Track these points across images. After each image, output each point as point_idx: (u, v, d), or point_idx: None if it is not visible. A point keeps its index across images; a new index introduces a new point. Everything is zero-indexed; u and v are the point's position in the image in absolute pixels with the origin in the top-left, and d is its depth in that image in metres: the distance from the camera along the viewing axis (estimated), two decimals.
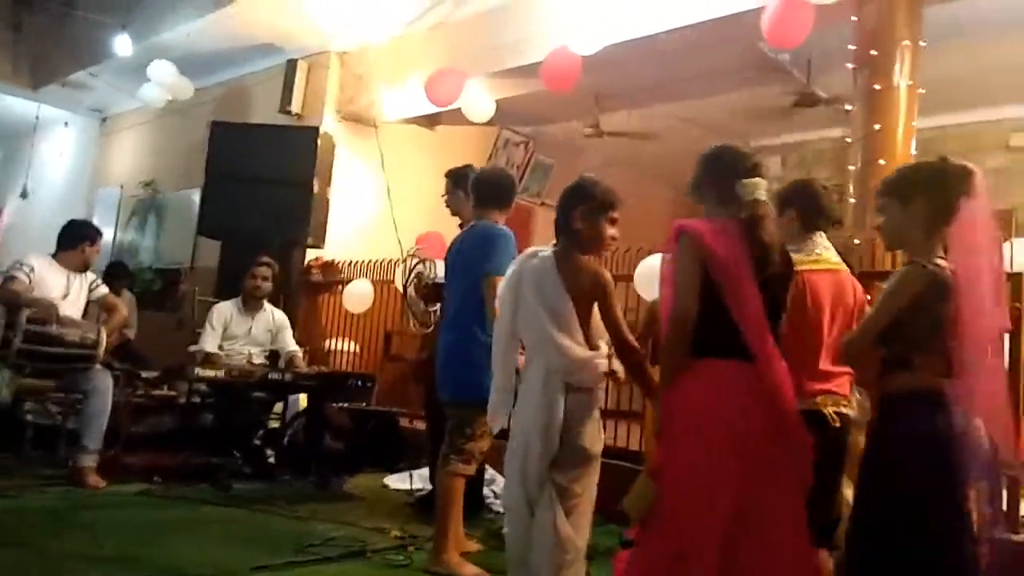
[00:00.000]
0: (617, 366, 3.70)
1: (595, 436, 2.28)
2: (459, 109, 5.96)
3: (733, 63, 5.55)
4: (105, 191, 8.88)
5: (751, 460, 1.97)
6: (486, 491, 4.02)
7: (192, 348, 4.68)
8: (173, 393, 5.03)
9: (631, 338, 2.32)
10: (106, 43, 6.81)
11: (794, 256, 2.49)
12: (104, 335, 4.11)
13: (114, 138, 9.12)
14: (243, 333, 4.75)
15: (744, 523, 1.93)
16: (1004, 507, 3.08)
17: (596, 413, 2.30)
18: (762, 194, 2.10)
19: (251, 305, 4.82)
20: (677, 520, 1.97)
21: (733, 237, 2.03)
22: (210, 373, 4.22)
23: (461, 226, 4.27)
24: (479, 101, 5.95)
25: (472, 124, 6.30)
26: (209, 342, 4.61)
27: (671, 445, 2.05)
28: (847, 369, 2.53)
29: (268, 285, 4.84)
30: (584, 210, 2.33)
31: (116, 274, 6.27)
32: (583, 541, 2.26)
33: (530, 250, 2.40)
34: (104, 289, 4.46)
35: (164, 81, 6.80)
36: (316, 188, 6.06)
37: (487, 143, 7.57)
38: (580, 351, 2.25)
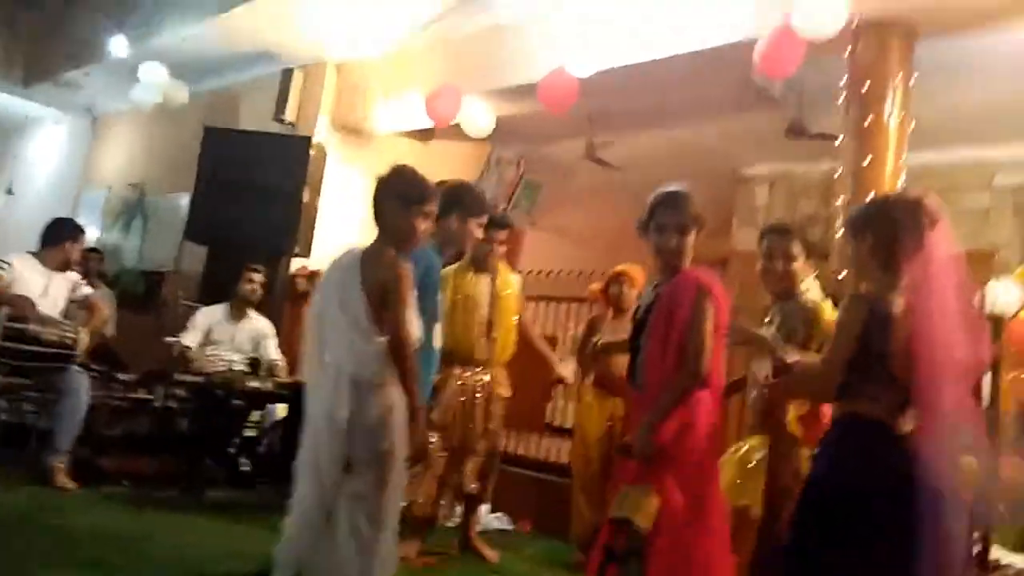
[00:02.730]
0: (566, 372, 3.70)
1: (386, 434, 2.17)
2: (453, 125, 5.97)
3: (726, 92, 5.59)
4: (91, 193, 8.80)
5: None
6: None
7: (170, 339, 4.63)
8: (150, 396, 4.96)
9: (407, 338, 2.23)
10: (102, 43, 6.78)
11: None
12: (84, 336, 4.06)
13: (103, 139, 9.06)
14: (227, 339, 4.71)
15: None
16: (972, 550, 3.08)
17: (392, 410, 2.19)
18: None
19: (237, 312, 4.79)
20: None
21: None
22: (190, 378, 4.17)
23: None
24: (478, 116, 5.96)
25: (465, 140, 6.31)
26: (189, 338, 4.57)
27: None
28: None
29: (260, 291, 4.82)
30: (395, 204, 2.30)
31: (91, 257, 6.00)
32: (388, 542, 2.20)
33: (348, 248, 2.36)
34: (87, 289, 4.42)
35: (155, 83, 6.76)
36: (306, 198, 6.04)
37: (480, 160, 7.59)
38: (367, 346, 2.17)
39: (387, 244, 2.30)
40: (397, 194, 2.31)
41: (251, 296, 4.77)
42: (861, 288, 2.13)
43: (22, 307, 3.93)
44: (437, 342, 3.13)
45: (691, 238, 2.30)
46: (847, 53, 4.07)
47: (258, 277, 4.81)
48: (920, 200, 2.05)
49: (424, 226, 2.36)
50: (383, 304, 2.20)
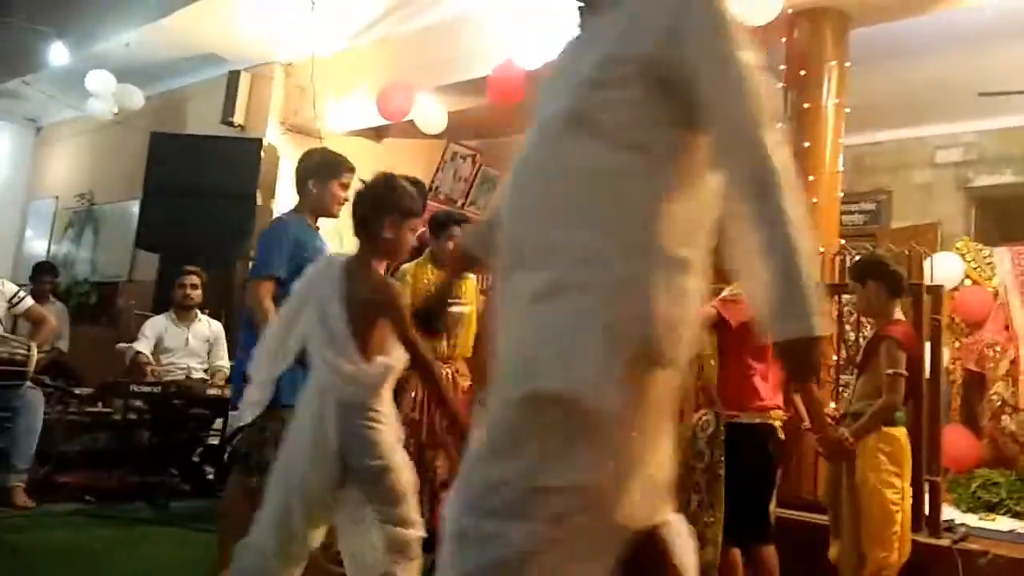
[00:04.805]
0: None
1: (384, 449, 2.17)
2: (405, 122, 5.96)
3: None
4: (40, 203, 8.62)
5: None
6: None
7: (121, 346, 4.58)
8: (109, 410, 4.90)
9: (426, 356, 2.21)
10: (41, 52, 6.63)
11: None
12: (35, 351, 4.00)
13: (50, 148, 8.87)
14: (180, 345, 4.67)
15: None
16: (927, 511, 3.22)
17: (382, 424, 2.19)
18: None
19: (184, 316, 4.75)
20: None
21: None
22: (147, 388, 4.14)
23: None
24: (431, 113, 5.96)
25: (419, 137, 6.31)
26: (141, 345, 4.52)
27: None
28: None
29: (198, 293, 4.78)
30: (394, 219, 2.22)
31: (42, 272, 5.87)
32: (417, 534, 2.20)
33: (331, 255, 2.31)
34: (29, 301, 4.32)
35: (107, 92, 6.63)
36: (259, 200, 5.99)
37: (434, 156, 7.59)
38: (348, 366, 2.11)
39: (374, 255, 2.23)
40: (387, 206, 2.21)
41: (186, 302, 4.72)
42: None
43: None
44: None
45: None
46: (784, 40, 4.17)
47: (191, 279, 4.75)
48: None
49: (412, 239, 2.32)
50: (374, 321, 2.14)
